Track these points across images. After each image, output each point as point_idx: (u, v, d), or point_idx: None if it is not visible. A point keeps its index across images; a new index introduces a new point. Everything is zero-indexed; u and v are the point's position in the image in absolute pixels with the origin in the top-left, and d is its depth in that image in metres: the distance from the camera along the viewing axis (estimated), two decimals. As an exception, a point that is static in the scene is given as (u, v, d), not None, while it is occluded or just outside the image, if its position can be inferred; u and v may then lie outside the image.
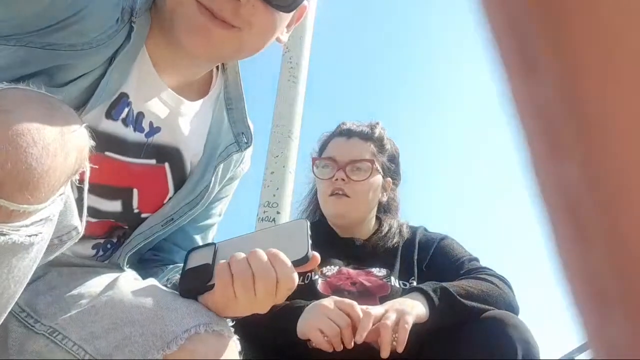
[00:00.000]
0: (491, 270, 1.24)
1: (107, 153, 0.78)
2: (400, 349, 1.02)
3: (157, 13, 0.79)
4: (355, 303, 1.05)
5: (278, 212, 2.92)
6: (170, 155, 0.88)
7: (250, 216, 2.95)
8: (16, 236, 0.55)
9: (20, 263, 0.57)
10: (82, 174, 0.63)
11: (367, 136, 1.38)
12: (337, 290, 1.20)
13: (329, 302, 1.06)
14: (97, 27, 0.72)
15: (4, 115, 0.55)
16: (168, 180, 0.89)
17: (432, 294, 1.10)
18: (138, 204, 0.87)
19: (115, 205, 0.85)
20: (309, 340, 1.04)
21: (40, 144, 0.55)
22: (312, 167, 1.41)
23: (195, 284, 0.77)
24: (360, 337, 1.00)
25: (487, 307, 1.11)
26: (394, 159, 1.43)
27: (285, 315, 1.07)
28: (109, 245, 0.90)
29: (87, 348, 0.72)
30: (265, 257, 0.74)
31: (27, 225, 0.56)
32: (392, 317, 1.02)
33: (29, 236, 0.56)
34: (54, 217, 0.60)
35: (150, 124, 0.84)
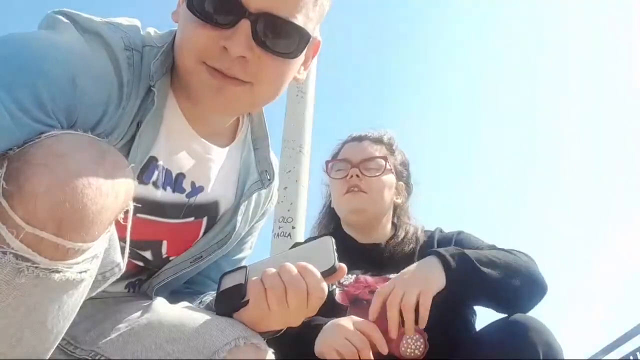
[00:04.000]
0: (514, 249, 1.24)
1: (138, 215, 0.80)
2: (422, 325, 1.05)
3: (178, 71, 0.81)
4: (375, 326, 1.05)
5: (293, 227, 2.92)
6: (209, 210, 0.91)
7: (266, 233, 2.95)
8: (69, 273, 0.57)
9: (69, 299, 0.59)
10: (125, 213, 0.65)
11: (377, 139, 1.45)
12: (355, 300, 1.20)
13: (347, 322, 1.06)
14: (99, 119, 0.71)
15: (61, 159, 0.57)
16: (201, 229, 0.92)
17: (449, 258, 1.10)
18: (167, 251, 0.90)
19: (145, 254, 0.88)
20: None
21: (94, 185, 0.57)
22: (326, 170, 1.45)
23: (230, 302, 0.80)
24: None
25: (504, 276, 1.11)
26: (405, 165, 1.47)
27: (303, 334, 1.06)
28: (137, 282, 0.93)
29: None
30: (295, 270, 0.77)
31: (78, 263, 0.58)
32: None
33: (80, 273, 0.58)
34: (100, 254, 0.62)
35: (192, 184, 0.87)
